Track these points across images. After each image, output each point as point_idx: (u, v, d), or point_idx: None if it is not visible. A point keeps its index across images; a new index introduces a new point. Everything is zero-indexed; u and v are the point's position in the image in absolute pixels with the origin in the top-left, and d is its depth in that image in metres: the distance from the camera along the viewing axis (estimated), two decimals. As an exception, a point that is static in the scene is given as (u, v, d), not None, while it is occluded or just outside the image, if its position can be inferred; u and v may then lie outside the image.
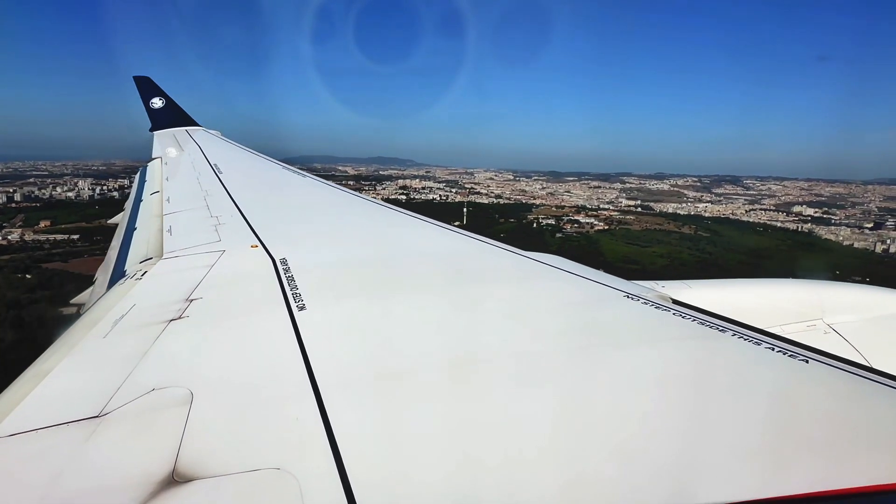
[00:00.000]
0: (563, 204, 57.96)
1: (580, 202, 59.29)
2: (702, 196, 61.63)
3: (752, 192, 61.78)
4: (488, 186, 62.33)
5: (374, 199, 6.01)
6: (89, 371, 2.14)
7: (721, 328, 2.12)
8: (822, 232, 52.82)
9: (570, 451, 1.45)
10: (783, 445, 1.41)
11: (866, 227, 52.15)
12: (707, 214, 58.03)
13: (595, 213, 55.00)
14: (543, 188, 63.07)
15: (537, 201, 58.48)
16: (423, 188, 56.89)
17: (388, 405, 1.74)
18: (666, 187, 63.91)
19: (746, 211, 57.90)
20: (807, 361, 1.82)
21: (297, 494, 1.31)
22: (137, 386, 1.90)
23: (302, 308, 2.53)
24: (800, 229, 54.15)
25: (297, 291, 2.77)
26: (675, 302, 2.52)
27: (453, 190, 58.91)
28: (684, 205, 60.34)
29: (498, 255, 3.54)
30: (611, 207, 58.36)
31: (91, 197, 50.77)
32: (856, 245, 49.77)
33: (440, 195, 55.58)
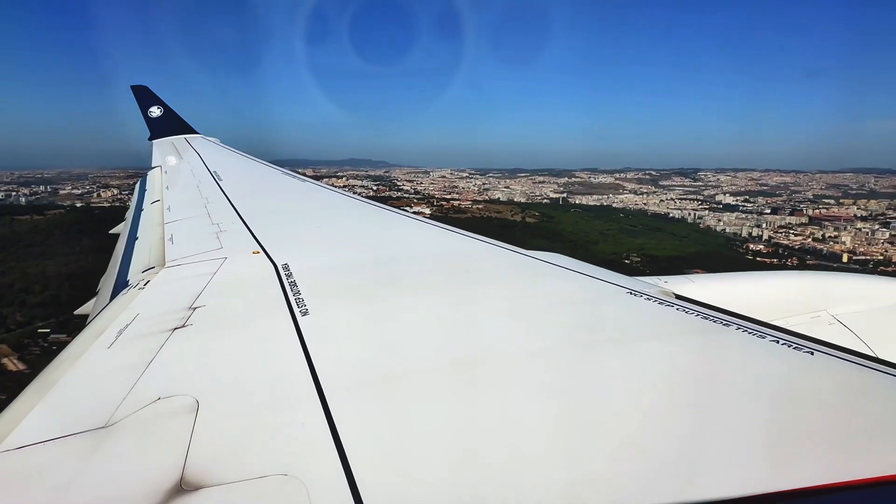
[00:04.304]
0: (480, 199, 60.31)
1: (498, 196, 62.54)
2: (640, 188, 64.71)
3: (697, 184, 64.56)
4: (420, 184, 64.73)
5: (375, 202, 6.01)
6: (95, 382, 2.15)
7: (725, 322, 2.12)
8: (708, 218, 55.86)
9: (579, 448, 1.45)
10: (790, 438, 1.41)
11: (765, 214, 54.68)
12: (618, 206, 62.11)
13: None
14: (484, 185, 65.77)
15: (449, 196, 60.67)
16: (345, 186, 58.62)
17: (394, 409, 1.74)
18: (611, 180, 66.69)
19: (660, 201, 61.33)
20: (812, 353, 1.81)
21: (306, 500, 1.31)
22: (143, 395, 1.90)
23: (305, 313, 2.53)
24: (690, 216, 57.32)
25: (299, 297, 2.78)
26: (679, 297, 2.52)
27: (375, 187, 60.90)
28: (608, 196, 63.63)
29: (499, 254, 3.54)
30: (520, 201, 61.47)
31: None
32: (728, 230, 53.08)
33: (359, 192, 57.45)
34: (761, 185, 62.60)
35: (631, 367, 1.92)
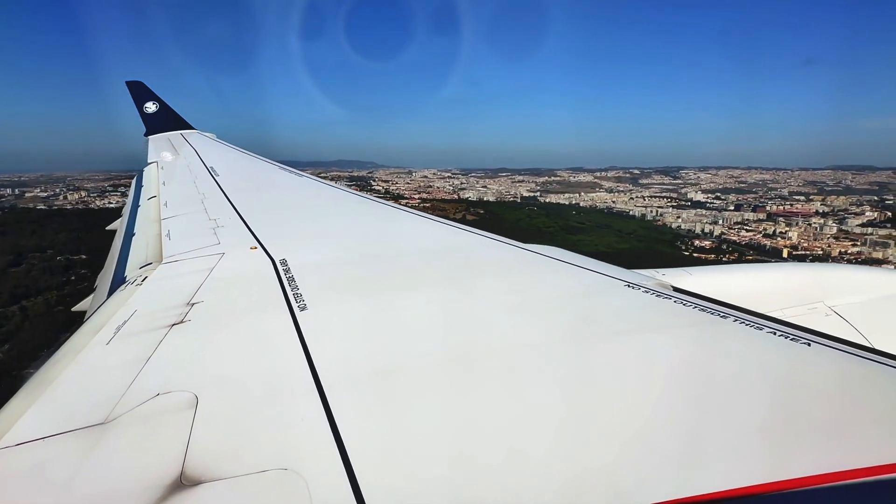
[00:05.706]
0: (434, 198, 61.93)
1: (469, 195, 64.80)
2: (616, 187, 66.41)
3: (677, 182, 65.76)
4: (395, 184, 66.52)
5: (371, 197, 6.00)
6: (93, 378, 2.15)
7: (722, 314, 2.13)
8: (668, 215, 57.19)
9: (579, 442, 1.46)
10: (788, 429, 1.42)
11: (726, 210, 55.54)
12: (586, 204, 63.75)
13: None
14: (461, 185, 68.18)
15: (418, 195, 61.95)
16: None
17: (394, 403, 1.74)
18: (589, 179, 68.56)
19: (629, 199, 62.81)
20: (809, 344, 1.82)
21: (306, 494, 1.31)
22: (142, 391, 1.90)
23: (303, 308, 2.53)
24: (649, 213, 58.58)
25: (297, 291, 2.78)
26: (676, 289, 2.53)
27: (350, 186, 62.60)
28: (579, 195, 65.26)
29: (496, 247, 3.54)
30: (489, 200, 63.52)
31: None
32: (683, 226, 54.27)
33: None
34: (740, 182, 63.22)
35: (629, 359, 1.93)
